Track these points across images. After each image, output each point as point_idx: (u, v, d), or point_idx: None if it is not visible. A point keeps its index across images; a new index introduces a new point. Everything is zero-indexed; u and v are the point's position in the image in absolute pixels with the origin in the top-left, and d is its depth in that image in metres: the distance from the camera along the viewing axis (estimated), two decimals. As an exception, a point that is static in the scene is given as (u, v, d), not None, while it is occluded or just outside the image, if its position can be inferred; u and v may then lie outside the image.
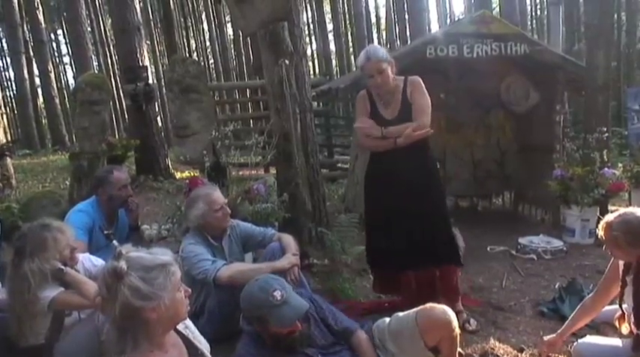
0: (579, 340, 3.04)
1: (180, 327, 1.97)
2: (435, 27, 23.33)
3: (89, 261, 3.06)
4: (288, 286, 2.54)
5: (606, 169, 5.53)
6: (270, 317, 2.40)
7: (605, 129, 5.72)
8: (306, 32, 27.50)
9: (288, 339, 2.50)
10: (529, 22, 26.13)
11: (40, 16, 21.64)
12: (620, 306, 2.87)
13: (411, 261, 3.54)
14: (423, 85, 3.52)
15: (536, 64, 6.09)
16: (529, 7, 27.15)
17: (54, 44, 32.85)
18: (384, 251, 3.63)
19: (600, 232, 2.76)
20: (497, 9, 17.72)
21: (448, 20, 28.64)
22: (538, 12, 29.68)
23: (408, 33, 21.67)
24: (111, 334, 1.72)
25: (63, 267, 2.68)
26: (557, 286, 4.26)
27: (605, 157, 5.71)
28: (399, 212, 3.51)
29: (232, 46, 28.63)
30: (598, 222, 5.40)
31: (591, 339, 2.96)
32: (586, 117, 6.28)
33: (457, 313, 3.38)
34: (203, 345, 2.09)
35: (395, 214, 3.53)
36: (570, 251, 5.22)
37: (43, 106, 24.53)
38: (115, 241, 3.55)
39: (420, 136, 3.43)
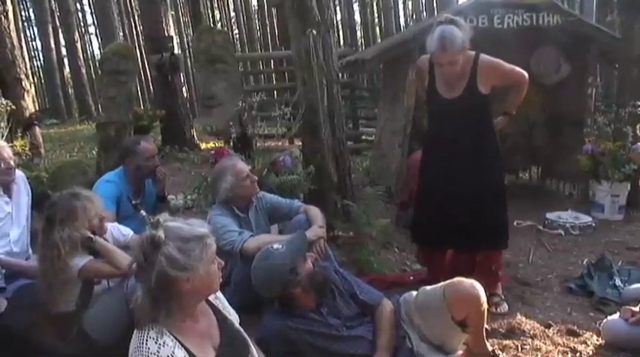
0: (609, 318, 3.01)
1: (210, 298, 1.99)
2: (462, -3, 22.82)
3: (118, 230, 3.11)
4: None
5: (639, 144, 5.40)
6: (285, 259, 2.54)
7: (639, 103, 5.58)
8: (332, 2, 27.14)
9: (314, 282, 2.58)
10: (560, -8, 25.43)
11: (67, -14, 21.71)
12: None
13: (453, 239, 3.46)
14: (493, 59, 3.34)
15: (568, 35, 5.93)
16: (560, -23, 26.40)
17: (80, 14, 32.94)
18: (429, 223, 3.55)
19: None
20: (528, -22, 17.26)
21: (476, -10, 27.99)
22: (569, -19, 28.84)
23: (434, 4, 21.27)
24: (144, 301, 1.74)
25: (92, 236, 2.72)
26: (585, 262, 4.21)
27: (638, 131, 5.57)
28: (453, 187, 3.36)
29: (257, 16, 28.41)
30: (628, 198, 5.40)
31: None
32: (619, 90, 6.12)
33: (491, 295, 3.36)
34: (233, 316, 2.10)
35: (448, 189, 3.39)
36: (599, 227, 5.14)
37: (69, 76, 24.75)
38: (142, 211, 3.58)
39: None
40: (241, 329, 2.06)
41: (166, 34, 9.91)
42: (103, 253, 2.71)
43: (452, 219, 3.39)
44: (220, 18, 32.48)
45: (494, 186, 3.44)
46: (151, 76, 17.27)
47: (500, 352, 2.90)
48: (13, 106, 6.28)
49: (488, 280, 3.37)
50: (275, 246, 2.65)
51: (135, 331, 1.75)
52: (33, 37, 32.77)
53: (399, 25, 27.02)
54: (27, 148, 6.13)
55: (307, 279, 2.57)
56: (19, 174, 3.38)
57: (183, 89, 10.59)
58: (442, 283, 2.58)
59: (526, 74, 3.39)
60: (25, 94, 7.47)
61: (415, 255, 4.19)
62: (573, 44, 6.06)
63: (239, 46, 27.52)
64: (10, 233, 3.17)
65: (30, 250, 3.29)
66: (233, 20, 32.42)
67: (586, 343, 3.02)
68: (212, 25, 26.41)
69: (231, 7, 32.14)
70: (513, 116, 3.55)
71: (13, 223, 3.21)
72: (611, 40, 6.08)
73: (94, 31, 34.30)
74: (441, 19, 3.25)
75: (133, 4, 27.64)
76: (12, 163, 3.19)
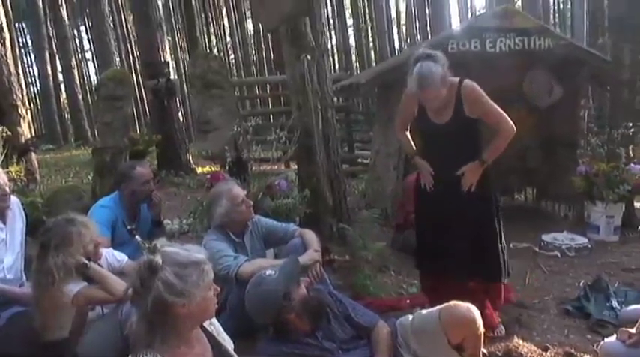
0: (606, 340, 3.00)
1: (205, 323, 1.98)
2: (455, 22, 23.13)
3: (112, 256, 3.09)
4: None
5: (632, 164, 5.43)
6: (277, 285, 2.52)
7: (631, 124, 5.62)
8: (326, 27, 27.39)
9: (308, 306, 2.58)
10: (551, 16, 25.76)
11: (64, 13, 21.92)
12: None
13: (447, 266, 3.36)
14: (477, 87, 3.26)
15: (560, 59, 6.00)
16: (551, 1, 26.76)
17: (77, 40, 33.17)
18: (425, 248, 3.54)
19: None
20: (520, 3, 17.52)
21: (469, 14, 28.39)
22: (560, 5, 29.24)
23: (428, 28, 21.54)
24: (140, 326, 1.74)
25: (87, 262, 2.70)
26: (582, 283, 4.20)
27: (630, 152, 5.61)
28: (447, 212, 3.34)
29: (253, 41, 28.68)
30: (623, 219, 5.41)
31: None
32: (611, 112, 6.17)
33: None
34: (227, 342, 2.09)
35: (441, 214, 3.37)
36: (595, 248, 5.15)
37: (66, 101, 24.84)
38: (137, 237, 3.57)
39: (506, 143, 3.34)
40: (235, 355, 2.05)
41: (163, 60, 10.00)
42: (97, 279, 2.69)
43: (445, 244, 3.35)
44: (216, 43, 32.75)
45: (485, 214, 3.39)
46: (147, 101, 17.34)
47: (497, 376, 2.89)
48: (9, 133, 6.28)
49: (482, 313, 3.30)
50: (267, 272, 2.64)
51: (129, 358, 1.74)
52: (30, 63, 32.99)
53: (394, 48, 27.32)
54: (22, 174, 6.12)
55: (301, 304, 2.57)
56: (14, 200, 3.37)
57: (179, 114, 10.67)
58: (438, 307, 2.58)
59: (512, 126, 3.31)
60: (22, 121, 7.46)
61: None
62: (565, 67, 6.14)
63: (235, 70, 27.73)
64: (4, 260, 3.15)
65: (24, 277, 3.27)
66: (229, 45, 32.67)
67: (583, 365, 3.01)
68: (208, 50, 26.66)
69: (227, 32, 32.42)
70: (484, 166, 3.34)
71: (7, 249, 3.19)
72: (601, 63, 6.16)
73: (91, 57, 34.57)
74: (418, 56, 3.16)
75: (129, 29, 27.88)
76: (7, 189, 3.19)
